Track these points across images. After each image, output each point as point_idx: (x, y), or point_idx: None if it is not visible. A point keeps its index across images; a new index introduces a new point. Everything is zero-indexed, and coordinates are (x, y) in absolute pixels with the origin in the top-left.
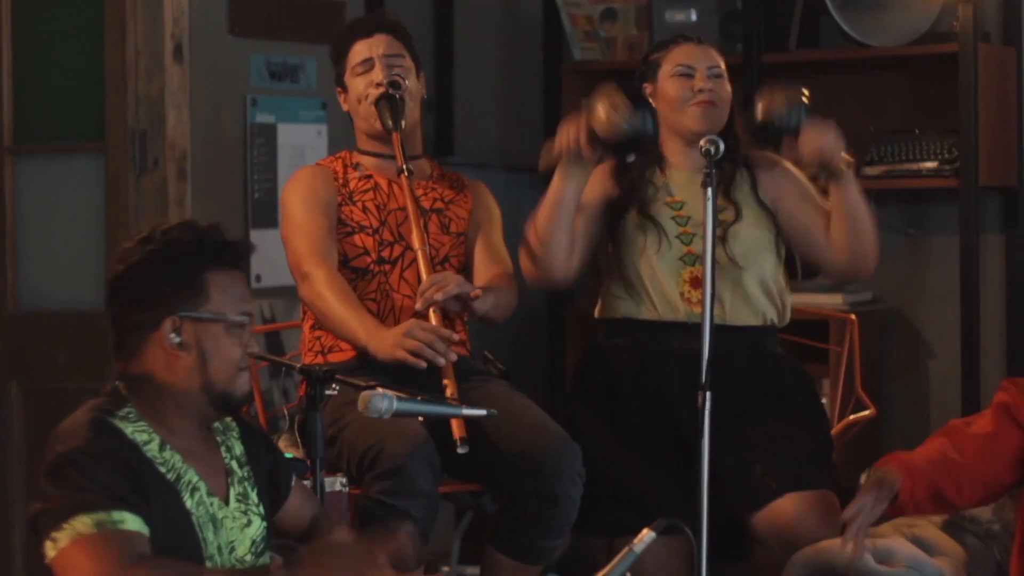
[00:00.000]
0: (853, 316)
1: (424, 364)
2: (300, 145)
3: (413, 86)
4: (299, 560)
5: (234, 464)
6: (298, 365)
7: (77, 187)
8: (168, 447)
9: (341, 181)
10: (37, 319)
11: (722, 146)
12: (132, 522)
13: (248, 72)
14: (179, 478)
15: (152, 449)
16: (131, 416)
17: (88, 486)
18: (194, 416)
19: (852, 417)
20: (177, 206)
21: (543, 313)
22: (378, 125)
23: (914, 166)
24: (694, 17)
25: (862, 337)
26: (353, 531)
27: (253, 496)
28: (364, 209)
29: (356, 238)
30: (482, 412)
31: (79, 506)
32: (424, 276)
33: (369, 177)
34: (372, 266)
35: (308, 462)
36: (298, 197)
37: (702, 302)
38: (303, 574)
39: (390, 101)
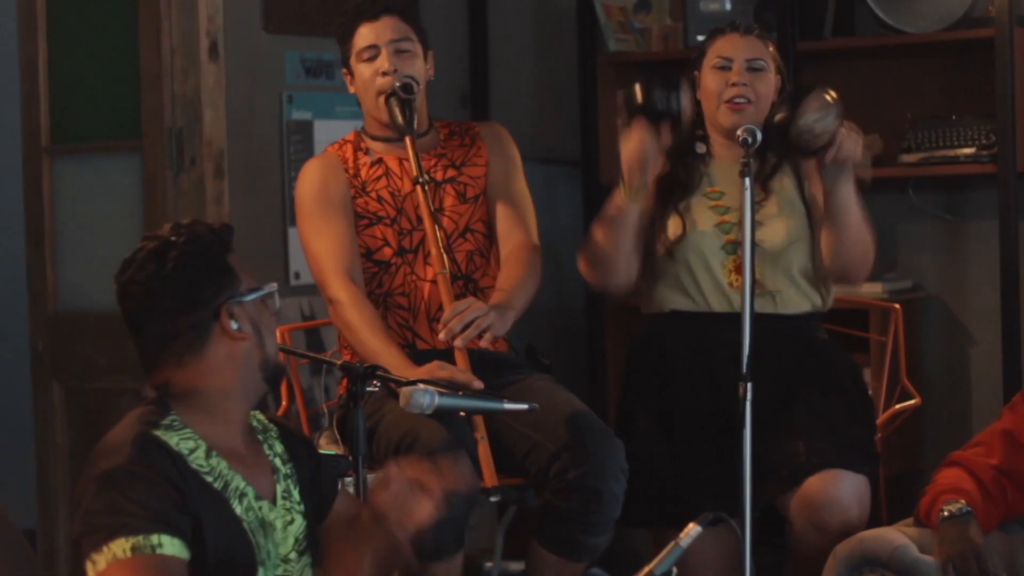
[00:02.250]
0: (897, 305)
1: None
2: (335, 140)
3: (420, 71)
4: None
5: (278, 461)
6: (339, 362)
7: (114, 186)
8: (214, 453)
9: (352, 171)
10: (77, 319)
11: (759, 135)
12: (170, 546)
13: (283, 69)
14: (227, 485)
15: (199, 457)
16: (175, 424)
17: (128, 508)
18: (247, 399)
19: (898, 406)
20: (215, 204)
21: (583, 305)
22: (386, 117)
23: (952, 152)
24: (728, 6)
25: (903, 325)
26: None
27: (295, 494)
28: (379, 199)
29: (375, 229)
30: (523, 406)
31: (118, 529)
32: (446, 303)
33: (380, 161)
34: (395, 258)
35: (350, 458)
36: (311, 198)
37: (758, 286)
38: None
39: (402, 103)
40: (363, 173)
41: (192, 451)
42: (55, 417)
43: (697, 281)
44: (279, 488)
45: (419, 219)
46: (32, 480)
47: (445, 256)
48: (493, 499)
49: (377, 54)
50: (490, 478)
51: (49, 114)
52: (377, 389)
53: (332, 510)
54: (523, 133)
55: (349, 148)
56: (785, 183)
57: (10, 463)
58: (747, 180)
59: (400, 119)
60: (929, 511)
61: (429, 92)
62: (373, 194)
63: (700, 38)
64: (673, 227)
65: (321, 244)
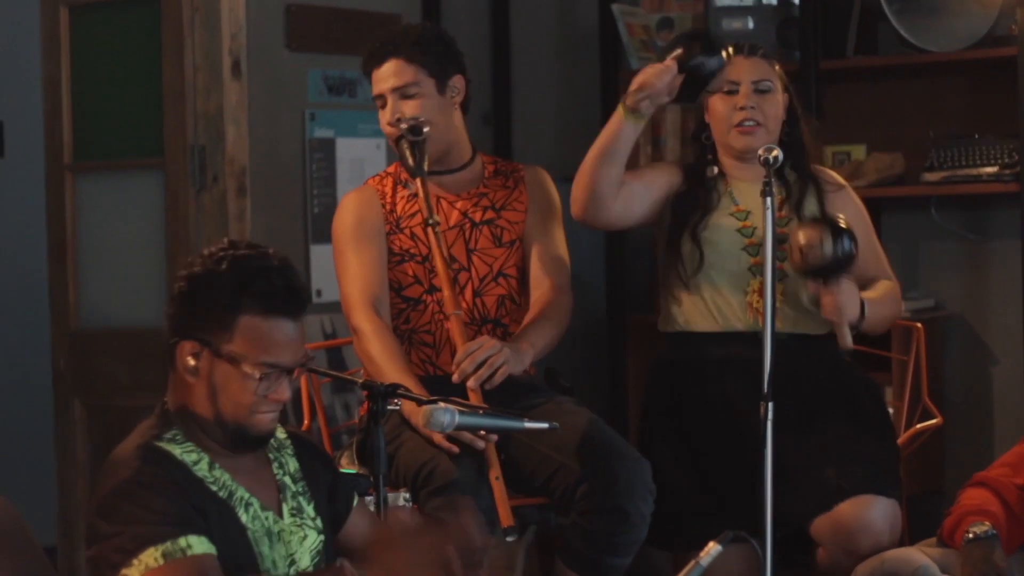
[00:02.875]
0: (919, 324)
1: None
2: (359, 159)
3: (432, 109)
4: (366, 557)
5: (287, 480)
6: (360, 380)
7: (137, 204)
8: (217, 466)
9: (389, 206)
10: (99, 336)
11: (780, 155)
12: (198, 545)
13: (306, 87)
14: (231, 494)
15: (202, 468)
16: (178, 438)
17: (147, 517)
18: (222, 444)
19: (920, 426)
20: (237, 221)
21: (603, 323)
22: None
23: (974, 171)
24: (751, 25)
25: (925, 344)
26: (414, 518)
27: (309, 510)
28: (412, 236)
29: (407, 267)
30: (544, 425)
31: (144, 540)
32: (458, 344)
33: (416, 195)
34: (424, 296)
35: (371, 478)
36: (347, 229)
37: (778, 312)
38: (372, 572)
39: (411, 145)
40: (399, 208)
41: (196, 462)
42: (76, 434)
43: (720, 301)
44: (286, 506)
45: (452, 257)
46: (53, 497)
47: (460, 298)
48: (509, 539)
49: (385, 102)
50: (506, 518)
51: (72, 132)
52: (398, 407)
53: (347, 522)
54: (545, 152)
55: (389, 181)
56: (811, 209)
57: (31, 480)
58: (768, 200)
59: (410, 161)
60: (953, 532)
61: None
62: (407, 231)
63: None
64: (692, 251)
65: (351, 275)
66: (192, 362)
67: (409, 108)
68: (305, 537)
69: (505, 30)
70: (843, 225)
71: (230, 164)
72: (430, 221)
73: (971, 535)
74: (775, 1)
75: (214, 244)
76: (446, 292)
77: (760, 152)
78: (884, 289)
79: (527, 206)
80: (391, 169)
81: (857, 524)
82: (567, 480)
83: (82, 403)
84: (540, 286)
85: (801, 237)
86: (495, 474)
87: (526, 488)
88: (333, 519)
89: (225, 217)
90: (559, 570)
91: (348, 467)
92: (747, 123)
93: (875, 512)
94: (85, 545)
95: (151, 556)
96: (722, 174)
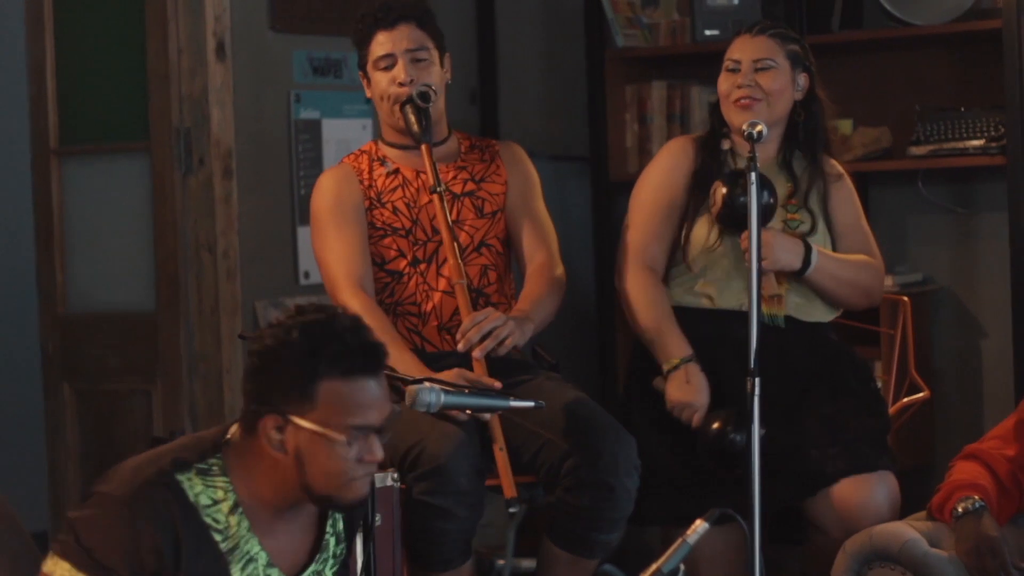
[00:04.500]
0: (906, 298)
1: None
2: (345, 140)
3: (438, 78)
4: None
5: (332, 541)
6: None
7: (123, 187)
8: (240, 511)
9: (367, 182)
10: (87, 320)
11: (765, 129)
12: None
13: (291, 68)
14: (235, 548)
15: (218, 511)
16: (214, 469)
17: (88, 543)
18: (285, 500)
19: (907, 400)
20: (223, 204)
21: (593, 302)
22: (402, 123)
23: (960, 144)
24: (736, 1)
25: (913, 318)
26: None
27: (327, 573)
28: (394, 210)
29: (388, 240)
30: (530, 404)
31: (70, 553)
32: (464, 312)
33: (396, 172)
34: (407, 268)
35: None
36: (325, 209)
37: (782, 299)
38: None
39: (418, 111)
40: (379, 184)
41: (213, 502)
42: (66, 418)
43: (722, 281)
44: (312, 567)
45: (434, 230)
46: (43, 482)
47: (463, 265)
48: (512, 510)
49: (394, 63)
50: (509, 489)
51: (57, 116)
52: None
53: None
54: (532, 130)
55: (365, 159)
56: (814, 201)
57: (21, 465)
58: (752, 175)
59: (416, 127)
60: (943, 506)
61: (447, 96)
62: (388, 205)
63: (708, 32)
64: (706, 230)
65: (333, 255)
66: (277, 436)
67: (420, 73)
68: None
69: (490, 7)
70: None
71: (216, 146)
72: (438, 189)
73: (960, 510)
74: None
75: (283, 313)
76: (451, 260)
77: (743, 126)
78: (854, 256)
79: (506, 179)
80: (366, 147)
81: (860, 503)
82: (552, 456)
83: (71, 387)
84: (533, 260)
85: (720, 187)
86: (499, 446)
87: (514, 465)
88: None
89: (211, 200)
90: (547, 548)
91: None
92: (744, 100)
93: (874, 490)
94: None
95: (64, 568)
96: (734, 151)
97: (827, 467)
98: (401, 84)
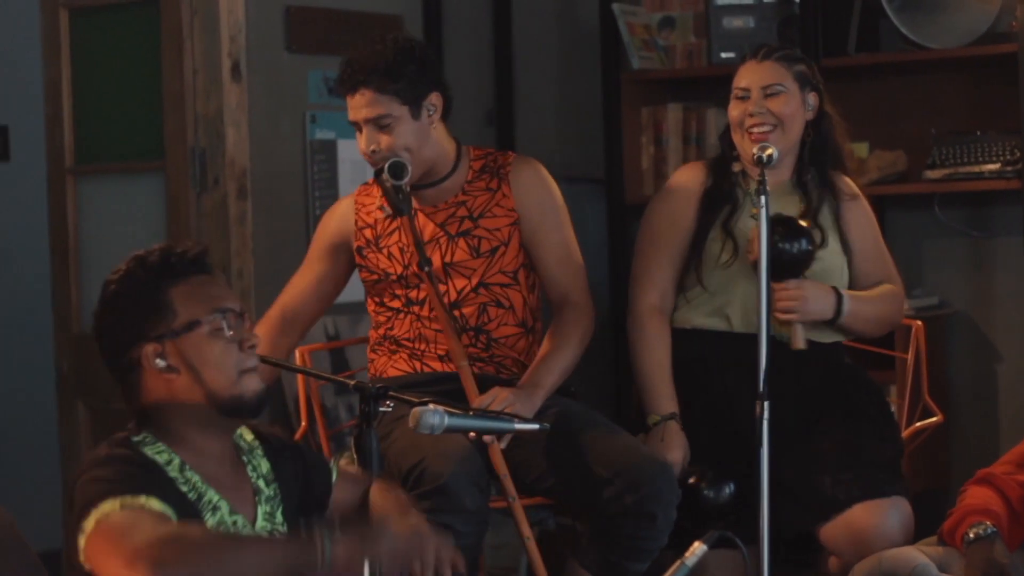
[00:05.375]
0: (919, 322)
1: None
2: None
3: (409, 136)
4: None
5: (261, 483)
6: (352, 383)
7: (138, 206)
8: (188, 467)
9: (365, 222)
10: None
11: (775, 154)
12: (158, 505)
13: (306, 88)
14: (200, 497)
15: (173, 469)
16: (147, 440)
17: (113, 476)
18: (211, 429)
19: (919, 424)
20: (238, 224)
21: (608, 324)
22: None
23: (976, 168)
24: (752, 23)
25: (928, 342)
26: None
27: (279, 516)
28: (389, 256)
29: (383, 286)
30: (535, 426)
31: (104, 494)
32: (469, 396)
33: (388, 218)
34: (402, 308)
35: None
36: (314, 240)
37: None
38: (348, 540)
39: (391, 189)
40: (379, 227)
41: (167, 463)
42: (80, 437)
43: (735, 303)
44: (260, 510)
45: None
46: (57, 501)
47: (462, 348)
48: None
49: (360, 129)
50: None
51: (73, 135)
52: (391, 410)
53: (332, 498)
54: (548, 151)
55: (376, 194)
56: (825, 219)
57: (35, 483)
58: (763, 199)
59: (390, 207)
60: (954, 531)
61: (452, 122)
62: (384, 250)
63: (724, 55)
64: (720, 247)
65: (288, 285)
66: (163, 362)
67: (385, 140)
68: None
69: (507, 29)
70: (802, 224)
71: (231, 166)
72: (424, 267)
73: (971, 535)
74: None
75: (112, 272)
76: (451, 345)
77: (754, 150)
78: (879, 290)
79: (513, 208)
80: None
81: (871, 530)
82: (591, 481)
83: (85, 406)
84: (553, 294)
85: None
86: (527, 534)
87: (538, 489)
88: (317, 504)
89: (226, 219)
90: (574, 571)
91: (348, 467)
92: (757, 129)
93: (887, 515)
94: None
95: (108, 505)
96: (744, 173)
97: (840, 493)
98: (365, 153)
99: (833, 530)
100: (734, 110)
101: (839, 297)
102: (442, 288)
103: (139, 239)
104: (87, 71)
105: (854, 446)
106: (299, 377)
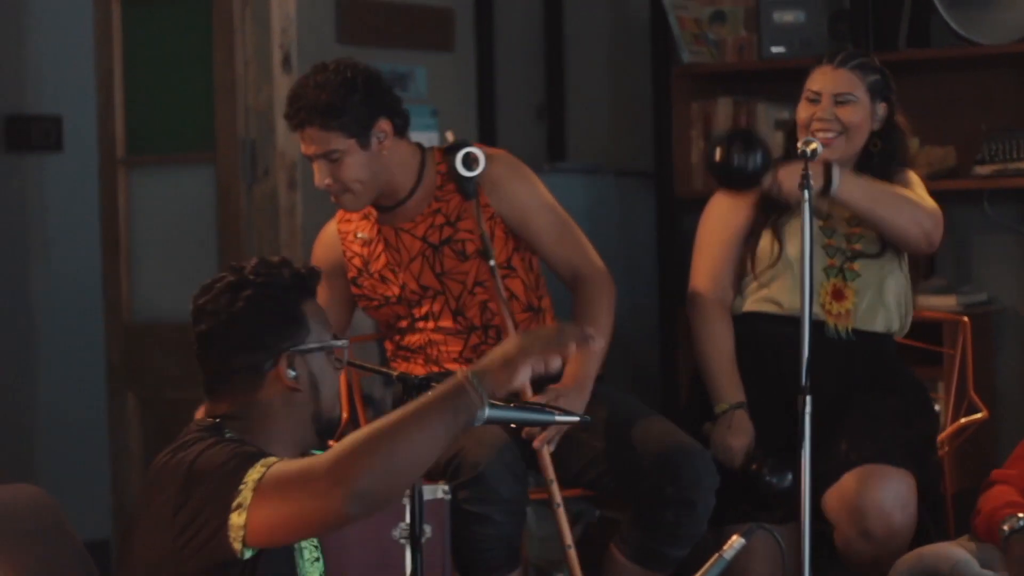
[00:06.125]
0: (965, 318)
1: None
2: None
3: (358, 168)
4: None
5: None
6: (396, 373)
7: (189, 197)
8: None
9: (356, 248)
10: (152, 330)
11: (819, 147)
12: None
13: None
14: None
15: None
16: (234, 439)
17: (235, 455)
18: (295, 448)
19: (964, 420)
20: (287, 215)
21: (655, 316)
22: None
23: None
24: (803, 18)
25: (976, 338)
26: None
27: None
28: (382, 278)
29: (386, 310)
30: (575, 418)
31: (241, 468)
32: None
33: (371, 241)
34: (408, 326)
35: None
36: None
37: (849, 312)
38: (491, 369)
39: (459, 176)
40: (365, 252)
41: None
42: (129, 427)
43: (790, 289)
44: None
45: (423, 288)
46: (106, 490)
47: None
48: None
49: (313, 163)
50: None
51: (125, 126)
52: None
53: None
54: (598, 145)
55: (353, 221)
56: None
57: (85, 473)
58: (806, 192)
59: (461, 187)
60: (988, 527)
61: (501, 116)
62: (376, 275)
63: (774, 49)
64: (769, 244)
65: None
66: (293, 373)
67: (337, 173)
68: (317, 559)
69: (558, 23)
70: (760, 138)
71: (280, 158)
72: (488, 260)
73: (1007, 529)
74: None
75: (217, 281)
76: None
77: (799, 145)
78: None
79: (489, 203)
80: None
81: (864, 495)
82: (632, 469)
83: (135, 395)
84: (563, 273)
85: (718, 149)
86: (567, 543)
87: (578, 481)
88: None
89: (276, 211)
90: (614, 559)
91: None
92: (822, 134)
93: (884, 483)
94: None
95: (255, 472)
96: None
97: (852, 455)
98: (319, 186)
99: (831, 495)
100: (803, 111)
101: (827, 165)
102: (440, 301)
103: (189, 230)
104: (139, 62)
105: (880, 419)
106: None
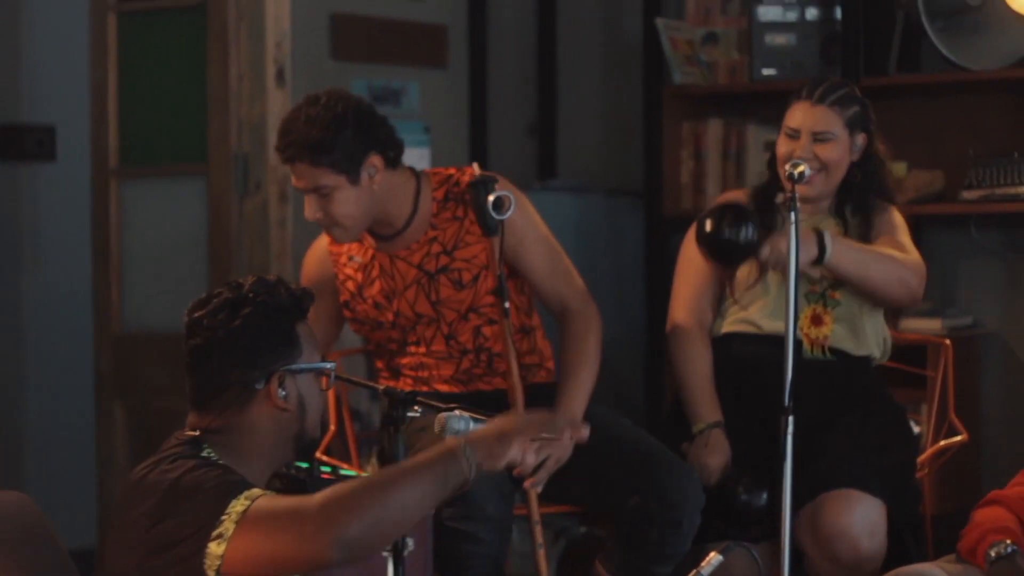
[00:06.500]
0: (947, 341)
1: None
2: None
3: (349, 203)
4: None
5: None
6: (382, 387)
7: (180, 209)
8: None
9: (349, 271)
10: (141, 340)
11: (807, 171)
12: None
13: None
14: None
15: None
16: (212, 457)
17: (219, 484)
18: (274, 464)
19: (944, 443)
20: (278, 228)
21: (643, 334)
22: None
23: (1012, 190)
24: (794, 41)
25: (961, 362)
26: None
27: None
28: (376, 305)
29: (378, 334)
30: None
31: (226, 497)
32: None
33: (366, 266)
34: (398, 350)
35: None
36: (302, 278)
37: (827, 338)
38: (483, 443)
39: (488, 216)
40: (359, 277)
41: None
42: (116, 436)
43: (767, 311)
44: None
45: (418, 315)
46: (93, 499)
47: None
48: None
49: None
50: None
51: (118, 137)
52: (419, 415)
53: None
54: (588, 163)
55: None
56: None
57: (71, 481)
58: (793, 215)
59: (483, 223)
60: (974, 549)
61: (493, 132)
62: (369, 300)
63: (765, 72)
64: (749, 269)
65: None
66: (283, 392)
67: (328, 205)
68: None
69: (551, 41)
70: (750, 210)
71: (272, 171)
72: (503, 300)
73: (994, 554)
74: (818, 17)
75: (214, 296)
76: (510, 383)
77: (786, 166)
78: (881, 247)
79: (481, 233)
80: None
81: (833, 520)
82: (616, 488)
83: (123, 406)
84: (552, 306)
85: (707, 222)
86: (535, 519)
87: (564, 498)
88: None
89: (267, 224)
90: (599, 574)
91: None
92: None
93: (853, 509)
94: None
95: (239, 504)
96: (787, 202)
97: (821, 480)
98: (310, 218)
99: (801, 519)
100: (782, 147)
101: (820, 234)
102: (433, 328)
103: (180, 241)
104: (133, 74)
105: (860, 444)
106: None
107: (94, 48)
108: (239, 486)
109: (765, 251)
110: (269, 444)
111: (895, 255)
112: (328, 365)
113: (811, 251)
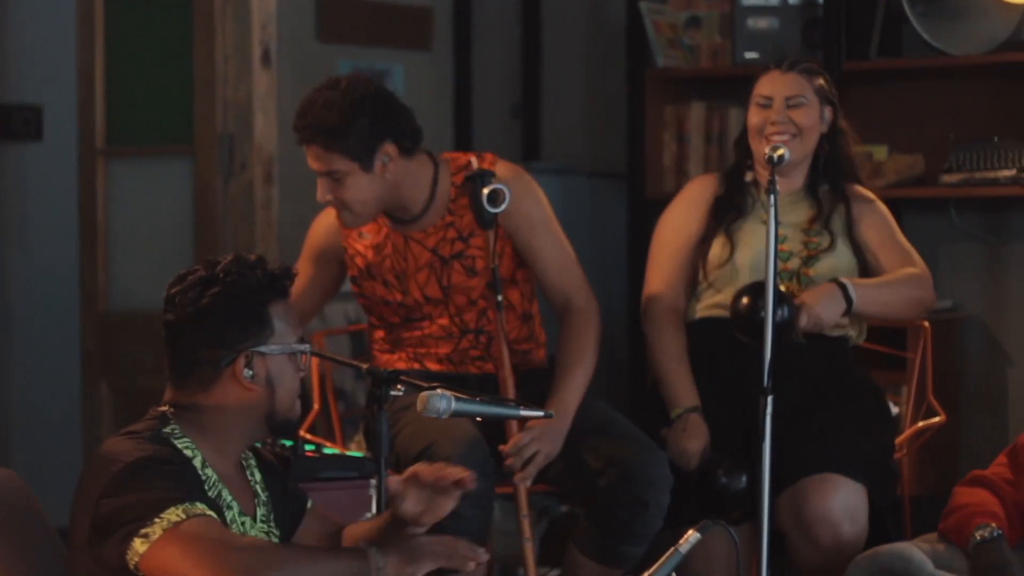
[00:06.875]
0: (926, 323)
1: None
2: None
3: (361, 188)
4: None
5: (258, 488)
6: (365, 366)
7: (166, 189)
8: (207, 464)
9: (359, 247)
10: (127, 319)
11: (787, 153)
12: (209, 510)
13: None
14: (219, 495)
15: (196, 464)
16: (176, 433)
17: (166, 484)
18: (245, 441)
19: (922, 423)
20: (263, 209)
21: (624, 318)
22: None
23: (992, 174)
24: (776, 25)
25: (940, 345)
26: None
27: (272, 522)
28: (385, 283)
29: (386, 309)
30: (539, 413)
31: (164, 502)
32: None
33: (378, 245)
34: (404, 323)
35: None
36: (307, 240)
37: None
38: (394, 557)
39: (483, 209)
40: (369, 255)
41: (191, 458)
42: (103, 415)
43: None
44: (259, 511)
45: (427, 298)
46: (78, 477)
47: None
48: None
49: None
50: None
51: (105, 118)
52: (402, 394)
53: (300, 530)
54: (573, 146)
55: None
56: (837, 224)
57: (58, 460)
58: (772, 197)
59: (480, 217)
60: (960, 530)
61: (477, 115)
62: (379, 278)
63: (748, 55)
64: (720, 248)
65: None
66: (250, 372)
67: (339, 191)
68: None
69: (536, 24)
70: (781, 289)
71: (258, 152)
72: (497, 295)
73: (979, 537)
74: (800, 2)
75: (190, 273)
76: (502, 375)
77: (766, 150)
78: (892, 273)
79: (501, 221)
80: None
81: (813, 504)
82: (587, 470)
83: (109, 385)
84: (556, 300)
85: (743, 298)
86: (523, 513)
87: (542, 477)
88: (284, 527)
89: (252, 204)
90: (573, 556)
91: (357, 451)
92: (777, 136)
93: (834, 493)
94: (78, 542)
95: (173, 514)
96: (757, 182)
97: (802, 464)
98: (320, 200)
99: (781, 502)
100: (755, 116)
101: (843, 287)
102: (440, 309)
103: (167, 221)
104: (120, 54)
105: (840, 427)
106: (314, 360)
107: (81, 28)
108: (183, 496)
109: (803, 320)
110: (236, 423)
111: (908, 275)
112: (302, 347)
113: (839, 305)
